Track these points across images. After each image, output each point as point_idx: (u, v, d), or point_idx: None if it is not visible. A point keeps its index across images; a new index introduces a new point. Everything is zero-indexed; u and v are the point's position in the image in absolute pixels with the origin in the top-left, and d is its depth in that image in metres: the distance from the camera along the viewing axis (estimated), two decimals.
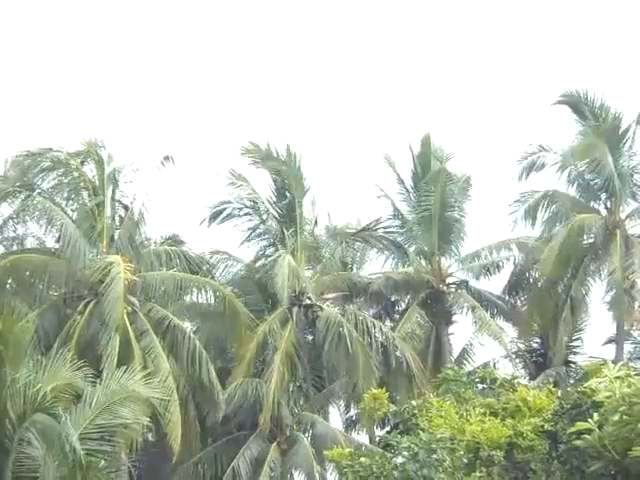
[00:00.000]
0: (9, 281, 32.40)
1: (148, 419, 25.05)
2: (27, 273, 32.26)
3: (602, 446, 16.43)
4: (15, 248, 34.11)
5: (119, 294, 29.53)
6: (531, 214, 37.39)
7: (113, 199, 33.37)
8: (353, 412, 37.60)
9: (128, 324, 30.32)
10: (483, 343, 37.86)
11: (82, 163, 33.09)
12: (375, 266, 39.44)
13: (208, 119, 60.70)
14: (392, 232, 38.66)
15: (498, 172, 46.40)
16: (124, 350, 29.40)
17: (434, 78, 61.28)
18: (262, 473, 32.12)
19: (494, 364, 36.65)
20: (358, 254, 39.64)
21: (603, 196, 37.14)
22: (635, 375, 17.00)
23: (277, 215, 36.67)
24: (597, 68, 53.31)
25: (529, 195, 37.71)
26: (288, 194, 36.36)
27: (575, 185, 37.69)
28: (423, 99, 60.99)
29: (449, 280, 38.65)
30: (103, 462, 22.40)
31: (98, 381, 23.32)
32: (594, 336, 38.69)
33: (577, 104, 37.50)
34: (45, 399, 20.89)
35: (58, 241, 32.19)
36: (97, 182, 32.71)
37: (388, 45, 63.93)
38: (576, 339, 38.24)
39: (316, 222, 38.15)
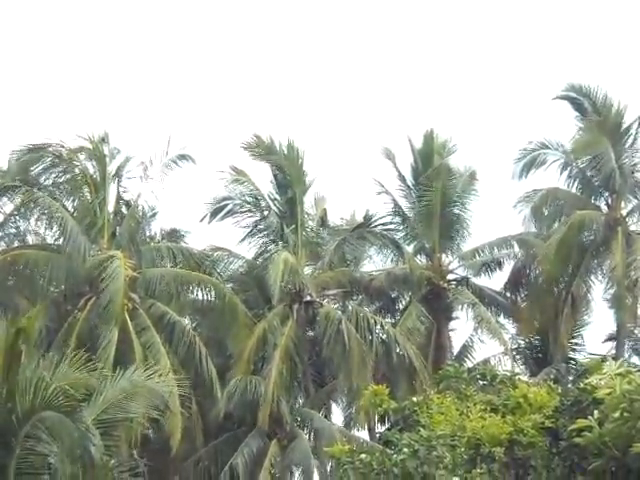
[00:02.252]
0: (10, 277, 32.40)
1: (157, 411, 25.07)
2: (28, 269, 32.28)
3: (602, 443, 16.39)
4: (16, 244, 34.12)
5: (118, 288, 29.49)
6: (538, 213, 37.32)
7: (119, 196, 33.41)
8: (353, 408, 37.56)
9: (129, 320, 30.34)
10: (484, 340, 37.89)
11: (85, 159, 33.09)
12: (376, 262, 39.45)
13: (209, 113, 60.72)
14: (392, 229, 38.58)
15: (498, 168, 46.39)
16: (124, 346, 29.42)
17: (435, 72, 61.29)
18: (263, 469, 32.13)
19: (496, 361, 36.64)
20: (358, 250, 39.50)
21: (605, 193, 37.10)
22: (636, 372, 16.94)
23: (278, 211, 36.63)
24: (600, 62, 53.30)
25: (533, 194, 37.64)
26: (290, 190, 36.32)
27: (576, 182, 37.66)
28: (424, 93, 60.99)
29: (450, 277, 38.62)
30: (113, 461, 22.43)
31: (100, 376, 23.28)
32: (595, 333, 38.73)
33: (579, 99, 37.39)
34: (56, 396, 20.85)
35: (59, 237, 32.20)
36: (98, 178, 32.71)
37: (390, 40, 63.93)
38: (577, 336, 38.20)
39: (322, 220, 38.13)
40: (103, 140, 33.09)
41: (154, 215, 34.44)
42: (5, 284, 31.85)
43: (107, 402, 22.06)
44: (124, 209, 33.66)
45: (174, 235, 36.01)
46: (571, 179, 37.54)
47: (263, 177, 36.97)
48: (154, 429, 30.71)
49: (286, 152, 36.07)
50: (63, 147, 32.73)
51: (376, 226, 38.03)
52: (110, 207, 33.03)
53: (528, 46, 62.85)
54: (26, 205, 32.78)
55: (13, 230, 34.56)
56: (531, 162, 37.64)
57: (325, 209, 38.63)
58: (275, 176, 36.73)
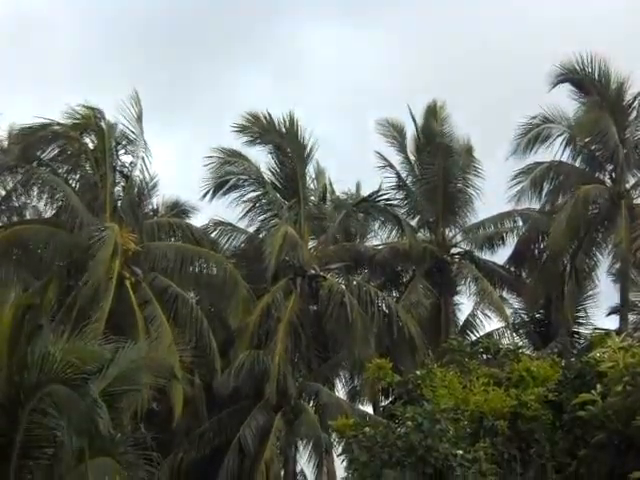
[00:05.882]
0: (14, 251, 32.44)
1: (162, 384, 25.16)
2: (31, 244, 32.34)
3: (605, 417, 16.43)
4: (21, 218, 34.18)
5: (105, 257, 29.37)
6: (537, 186, 37.10)
7: (114, 169, 33.34)
8: (357, 382, 37.64)
9: (131, 293, 30.40)
10: (488, 314, 37.89)
11: (81, 134, 33.04)
12: (380, 236, 39.39)
13: (209, 88, 60.51)
14: (395, 205, 38.47)
15: (504, 141, 46.02)
16: (127, 318, 29.49)
17: (438, 43, 61.02)
18: (269, 442, 32.22)
19: (499, 335, 36.65)
20: (362, 225, 39.46)
21: (609, 167, 36.93)
22: (639, 345, 16.95)
23: (280, 186, 36.56)
24: (603, 32, 52.68)
25: (533, 167, 37.42)
26: (291, 164, 36.23)
27: (580, 156, 37.47)
28: (428, 63, 60.72)
29: (453, 250, 38.60)
30: (119, 434, 22.50)
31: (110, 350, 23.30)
32: (599, 307, 38.66)
33: (577, 77, 36.89)
34: (62, 369, 20.84)
35: (60, 213, 32.26)
36: (99, 153, 32.68)
37: (392, 10, 63.62)
38: (581, 310, 38.19)
39: (323, 194, 38.03)
40: (99, 116, 33.02)
41: (154, 188, 34.42)
42: (10, 259, 31.87)
43: (114, 375, 22.07)
44: (124, 183, 33.65)
45: (176, 208, 36.04)
46: (575, 153, 37.35)
47: (264, 151, 36.96)
48: (158, 402, 30.79)
49: (286, 126, 35.91)
50: (59, 124, 32.68)
51: (379, 200, 37.96)
52: (111, 181, 32.97)
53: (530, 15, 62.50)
54: (29, 182, 32.81)
55: (17, 205, 34.58)
56: (535, 138, 37.24)
57: (325, 184, 38.61)
58: (276, 152, 36.63)
